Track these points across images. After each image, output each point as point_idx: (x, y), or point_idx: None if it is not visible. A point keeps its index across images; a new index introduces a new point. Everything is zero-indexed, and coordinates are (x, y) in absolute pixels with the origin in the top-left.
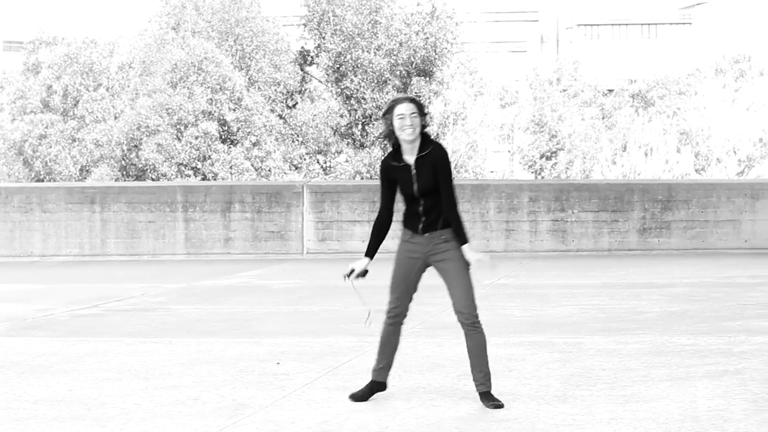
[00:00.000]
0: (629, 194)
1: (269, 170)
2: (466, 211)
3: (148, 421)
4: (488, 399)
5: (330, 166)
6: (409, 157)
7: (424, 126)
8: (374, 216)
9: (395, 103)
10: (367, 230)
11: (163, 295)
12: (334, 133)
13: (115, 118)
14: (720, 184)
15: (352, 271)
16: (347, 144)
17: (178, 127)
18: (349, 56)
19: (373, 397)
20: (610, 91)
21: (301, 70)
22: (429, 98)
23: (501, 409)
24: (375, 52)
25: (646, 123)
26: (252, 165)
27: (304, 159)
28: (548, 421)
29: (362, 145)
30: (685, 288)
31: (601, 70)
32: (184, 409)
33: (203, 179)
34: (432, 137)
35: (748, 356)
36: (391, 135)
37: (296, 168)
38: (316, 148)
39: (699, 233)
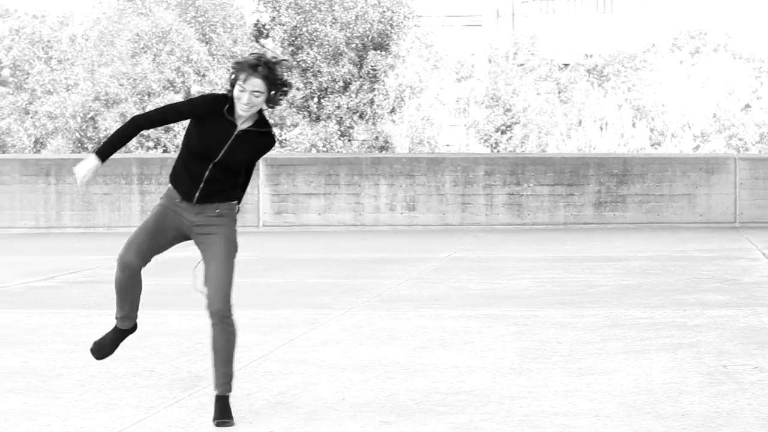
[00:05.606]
0: (585, 168)
1: None
2: (421, 184)
3: (103, 392)
4: (220, 408)
5: (285, 139)
6: (237, 118)
7: (273, 103)
8: (330, 189)
9: (246, 70)
10: (323, 203)
11: None
12: (290, 106)
13: (67, 89)
14: (675, 158)
15: None
16: (303, 117)
17: (141, 96)
18: (305, 29)
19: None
20: (566, 65)
21: (257, 42)
22: (385, 72)
23: (229, 427)
24: (331, 25)
25: (601, 98)
26: None
27: None
28: (504, 394)
29: (318, 118)
30: (641, 261)
31: (556, 45)
32: (139, 381)
33: (164, 152)
34: (269, 121)
35: (703, 329)
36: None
37: None
38: (272, 121)
39: (654, 207)
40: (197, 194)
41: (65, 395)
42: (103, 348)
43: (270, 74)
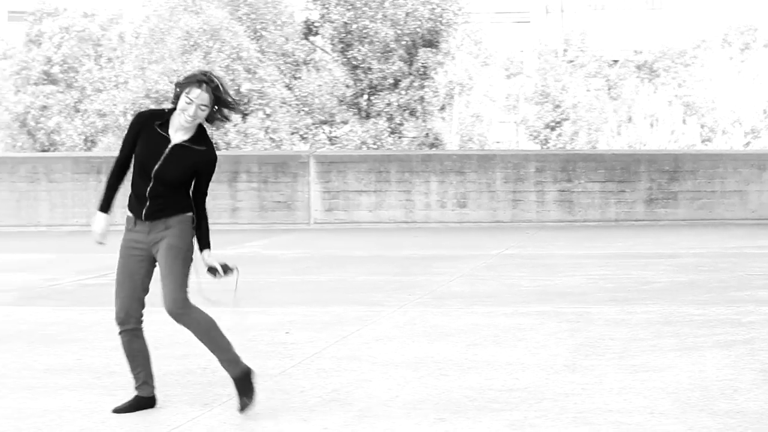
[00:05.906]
0: (636, 165)
1: (281, 141)
2: (472, 181)
3: (158, 390)
4: (243, 389)
5: (335, 137)
6: (175, 132)
7: (217, 119)
8: (381, 186)
9: (195, 84)
10: (374, 200)
11: None
12: (340, 103)
13: (117, 87)
14: (726, 154)
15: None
16: (353, 114)
17: None
18: (354, 26)
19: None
20: (615, 61)
21: (306, 39)
22: (435, 69)
23: (249, 407)
24: (381, 22)
25: (651, 94)
26: (267, 136)
27: (311, 129)
28: (558, 391)
29: (368, 115)
30: (693, 258)
31: (606, 41)
32: (193, 378)
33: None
34: (209, 135)
35: (756, 326)
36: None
37: (303, 138)
38: (322, 119)
39: (706, 204)
40: (144, 211)
41: (120, 392)
42: (123, 411)
43: (217, 92)
